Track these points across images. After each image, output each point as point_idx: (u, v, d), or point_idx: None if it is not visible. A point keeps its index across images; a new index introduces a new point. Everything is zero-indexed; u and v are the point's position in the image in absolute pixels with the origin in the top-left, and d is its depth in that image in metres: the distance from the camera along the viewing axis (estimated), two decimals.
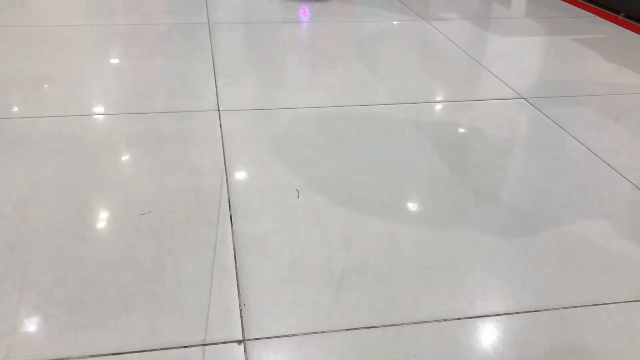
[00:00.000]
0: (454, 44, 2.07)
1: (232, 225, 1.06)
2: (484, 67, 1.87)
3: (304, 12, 2.28)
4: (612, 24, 2.38)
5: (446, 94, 1.70)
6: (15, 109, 1.50)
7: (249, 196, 1.16)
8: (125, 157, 1.29)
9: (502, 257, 1.02)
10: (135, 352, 0.80)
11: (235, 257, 0.98)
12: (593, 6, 2.61)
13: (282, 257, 0.99)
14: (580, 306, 0.92)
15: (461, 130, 1.48)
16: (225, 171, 1.24)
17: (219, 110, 1.51)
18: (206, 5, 2.40)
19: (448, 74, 1.83)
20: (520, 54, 2.02)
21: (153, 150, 1.30)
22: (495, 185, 1.24)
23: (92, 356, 0.79)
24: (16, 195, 1.12)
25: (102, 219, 1.08)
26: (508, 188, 1.23)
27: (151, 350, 0.80)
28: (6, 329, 0.83)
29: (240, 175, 1.23)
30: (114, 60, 1.84)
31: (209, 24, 2.18)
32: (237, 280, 0.93)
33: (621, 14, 2.46)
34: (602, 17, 2.46)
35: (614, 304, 0.93)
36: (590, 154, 1.36)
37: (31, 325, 0.84)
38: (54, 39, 1.99)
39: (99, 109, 1.50)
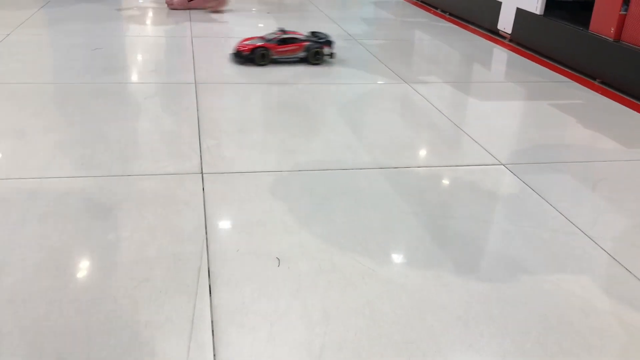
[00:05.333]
0: (435, 107, 2.12)
1: (210, 296, 1.06)
2: (464, 132, 1.91)
3: None
4: (589, 89, 2.45)
5: (427, 159, 1.73)
6: None
7: (228, 264, 1.15)
8: (106, 222, 1.28)
9: (482, 331, 1.02)
10: None
11: (212, 331, 0.97)
12: (570, 71, 2.70)
13: (261, 331, 0.98)
14: None
15: (441, 196, 1.50)
16: (206, 237, 1.23)
17: (202, 173, 1.52)
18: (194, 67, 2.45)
19: (429, 139, 1.86)
20: (500, 119, 2.07)
21: (134, 215, 1.30)
22: (475, 255, 1.25)
23: None
24: None
25: (80, 287, 1.07)
26: (488, 258, 1.24)
27: None
28: None
29: (220, 241, 1.23)
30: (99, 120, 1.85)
31: (195, 84, 2.21)
32: (214, 356, 0.92)
33: (597, 80, 2.54)
34: (579, 83, 2.54)
35: None
36: (568, 224, 1.39)
37: None
38: (39, 97, 2.00)
39: (81, 170, 1.50)
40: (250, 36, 2.58)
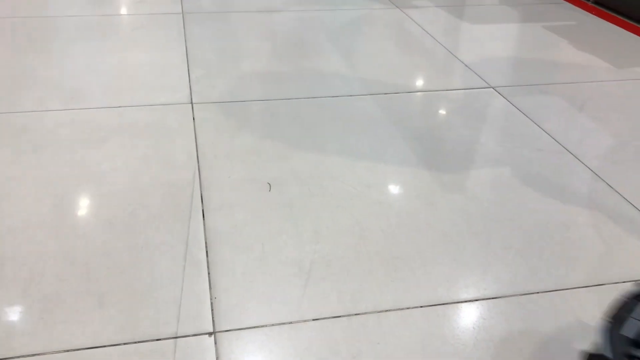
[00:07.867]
0: (427, 33, 2.10)
1: (204, 219, 1.09)
2: (455, 56, 1.91)
3: None
4: (582, 10, 2.42)
5: (417, 84, 1.73)
6: None
7: (221, 190, 1.18)
8: (100, 152, 1.30)
9: (466, 246, 1.06)
10: (109, 345, 0.83)
11: (207, 251, 1.01)
12: None
13: (253, 250, 1.02)
14: (537, 292, 0.96)
15: (430, 120, 1.51)
16: (198, 165, 1.26)
17: (192, 103, 1.52)
18: None
19: (420, 64, 1.86)
20: (492, 42, 2.05)
21: (127, 145, 1.32)
22: (461, 175, 1.28)
23: (67, 351, 0.82)
24: None
25: (76, 214, 1.10)
26: (474, 178, 1.27)
27: (125, 343, 0.83)
28: None
29: (212, 168, 1.26)
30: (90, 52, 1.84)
31: (182, 14, 2.18)
32: (209, 274, 0.96)
33: (590, 0, 2.50)
34: (572, 3, 2.50)
35: (569, 290, 0.97)
36: (554, 143, 1.41)
37: (6, 320, 0.86)
38: (36, 31, 1.98)
39: (73, 103, 1.51)
40: None
